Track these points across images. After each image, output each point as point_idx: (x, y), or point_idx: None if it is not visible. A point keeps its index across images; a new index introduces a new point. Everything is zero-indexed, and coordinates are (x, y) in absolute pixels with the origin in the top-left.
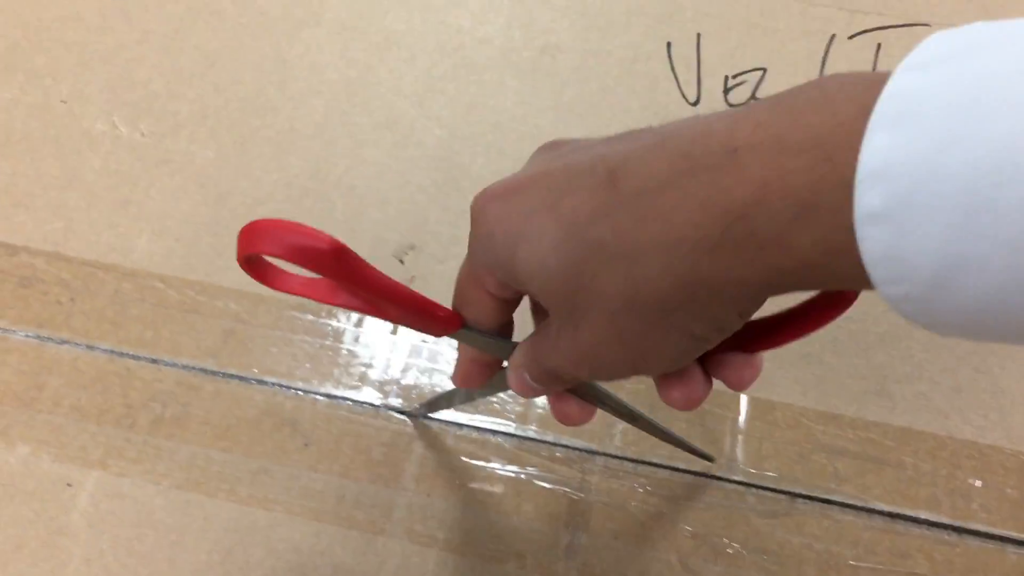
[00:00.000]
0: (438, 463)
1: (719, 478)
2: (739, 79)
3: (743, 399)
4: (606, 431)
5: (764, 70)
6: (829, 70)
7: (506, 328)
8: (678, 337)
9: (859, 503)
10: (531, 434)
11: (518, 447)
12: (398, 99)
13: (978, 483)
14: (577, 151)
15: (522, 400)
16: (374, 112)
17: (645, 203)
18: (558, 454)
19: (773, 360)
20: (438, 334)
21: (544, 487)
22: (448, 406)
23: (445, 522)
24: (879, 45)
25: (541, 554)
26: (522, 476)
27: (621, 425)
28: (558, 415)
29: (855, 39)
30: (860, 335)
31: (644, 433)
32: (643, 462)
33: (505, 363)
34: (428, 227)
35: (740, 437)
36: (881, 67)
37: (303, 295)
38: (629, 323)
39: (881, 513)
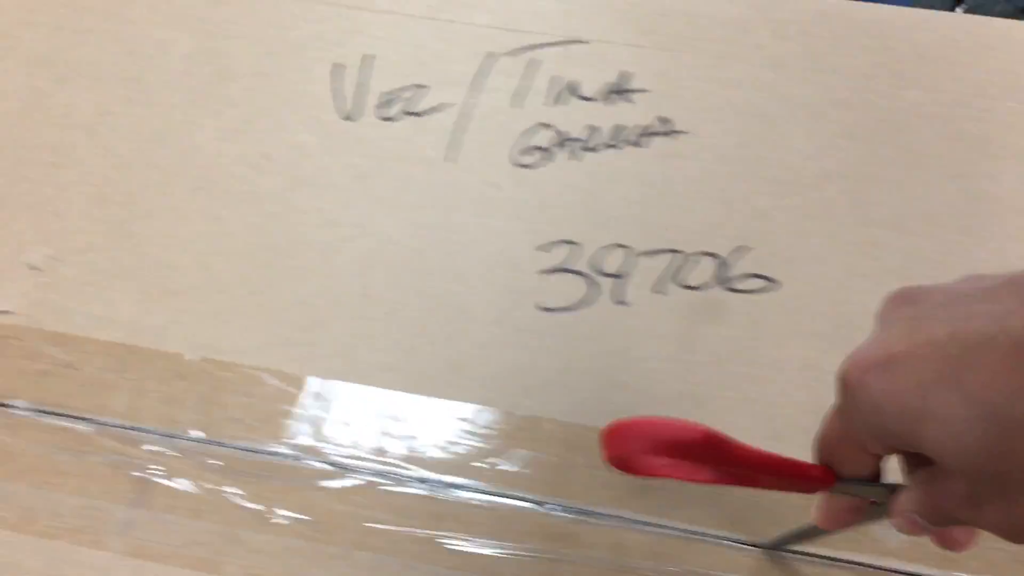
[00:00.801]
0: None
1: None
2: (397, 95)
3: None
4: None
5: (425, 87)
6: (489, 87)
7: (878, 474)
8: None
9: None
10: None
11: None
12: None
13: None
14: (951, 308)
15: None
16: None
17: None
18: None
19: None
20: (809, 491)
21: None
22: (801, 540)
23: None
24: (534, 61)
25: None
26: None
27: None
28: (945, 543)
29: (515, 57)
30: None
31: None
32: None
33: (872, 498)
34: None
35: None
36: (535, 83)
37: (667, 476)
38: None
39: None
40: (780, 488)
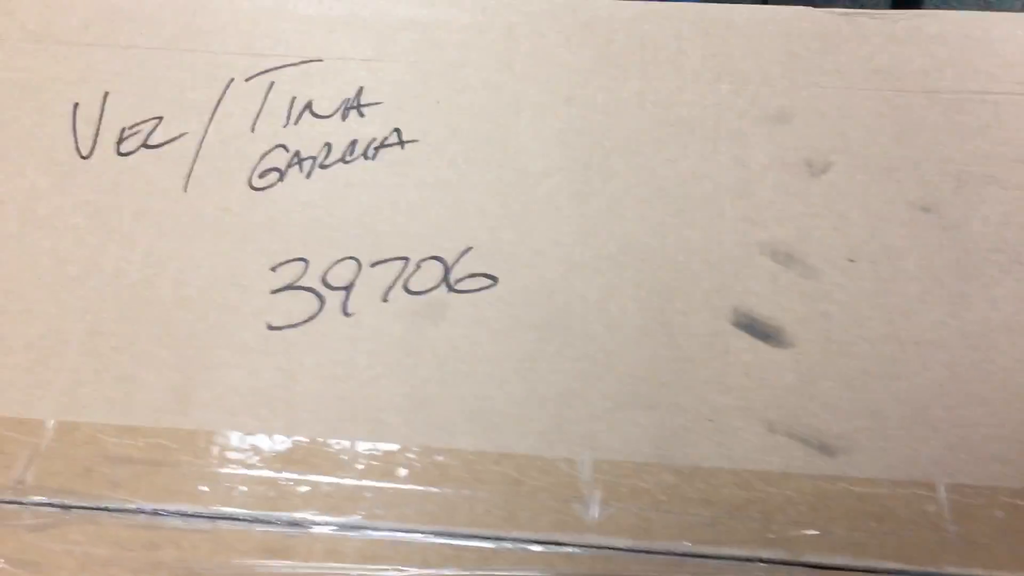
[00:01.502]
0: None
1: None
2: (134, 129)
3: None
4: None
5: (160, 119)
6: (224, 112)
7: None
8: None
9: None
10: None
11: None
12: None
13: (244, 472)
14: None
15: None
16: None
17: None
18: None
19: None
20: None
21: None
22: None
23: None
24: (272, 83)
25: None
26: None
27: None
28: None
29: (252, 80)
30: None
31: None
32: None
33: None
34: None
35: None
36: (272, 105)
37: None
38: None
39: (145, 512)
40: None
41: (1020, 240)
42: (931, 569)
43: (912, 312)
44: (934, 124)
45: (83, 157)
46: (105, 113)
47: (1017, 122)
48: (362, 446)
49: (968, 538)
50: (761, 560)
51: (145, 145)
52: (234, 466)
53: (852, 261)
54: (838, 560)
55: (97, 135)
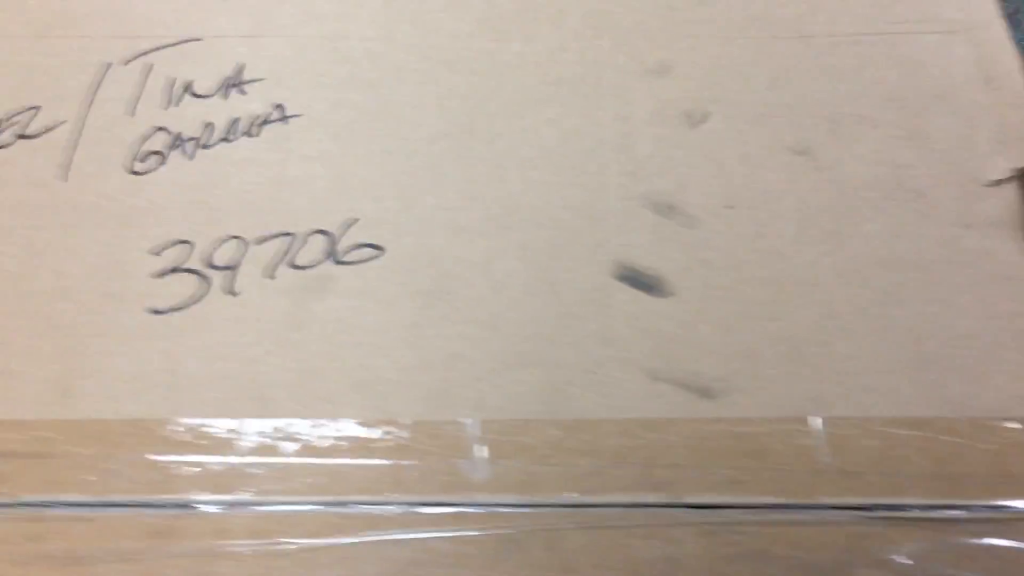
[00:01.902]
0: None
1: None
2: (11, 121)
3: None
4: None
5: (37, 108)
6: (102, 97)
7: None
8: None
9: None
10: None
11: None
12: None
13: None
14: None
15: None
16: None
17: None
18: None
19: None
20: None
21: None
22: None
23: None
24: (151, 66)
25: None
26: None
27: None
28: None
29: (130, 64)
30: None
31: None
32: None
33: None
34: None
35: None
36: (150, 87)
37: None
38: None
39: (30, 505)
40: None
41: (891, 177)
42: (807, 500)
43: (789, 254)
44: (807, 68)
45: None
46: None
47: (887, 61)
48: (249, 424)
49: (843, 469)
50: (642, 504)
51: (22, 136)
52: (120, 453)
53: (731, 208)
54: (717, 499)
55: None
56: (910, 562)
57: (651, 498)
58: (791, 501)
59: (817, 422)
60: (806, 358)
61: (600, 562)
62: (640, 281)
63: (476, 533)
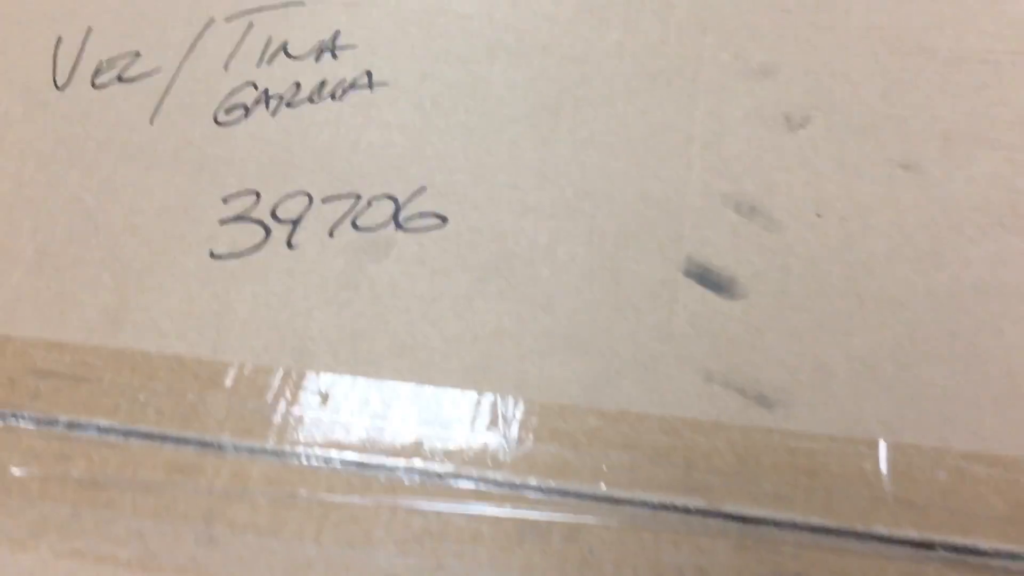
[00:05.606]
0: None
1: None
2: (111, 64)
3: None
4: None
5: (138, 54)
6: (200, 50)
7: None
8: None
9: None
10: None
11: None
12: None
13: (162, 389)
14: None
15: None
16: None
17: None
18: None
19: None
20: None
21: None
22: None
23: None
24: (250, 24)
25: None
26: None
27: None
28: None
29: (232, 21)
30: None
31: None
32: None
33: None
34: None
35: None
36: (248, 45)
37: None
38: None
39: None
40: None
41: (1005, 202)
42: (859, 527)
43: (877, 269)
44: (925, 83)
45: (58, 88)
46: (86, 48)
47: (1015, 83)
48: (285, 373)
49: (904, 498)
50: (676, 507)
51: (119, 79)
52: (155, 385)
53: (820, 216)
54: (759, 512)
55: (75, 68)
56: None
57: (687, 502)
58: (841, 526)
59: (883, 446)
60: (881, 379)
61: (622, 561)
62: (710, 280)
63: (496, 513)
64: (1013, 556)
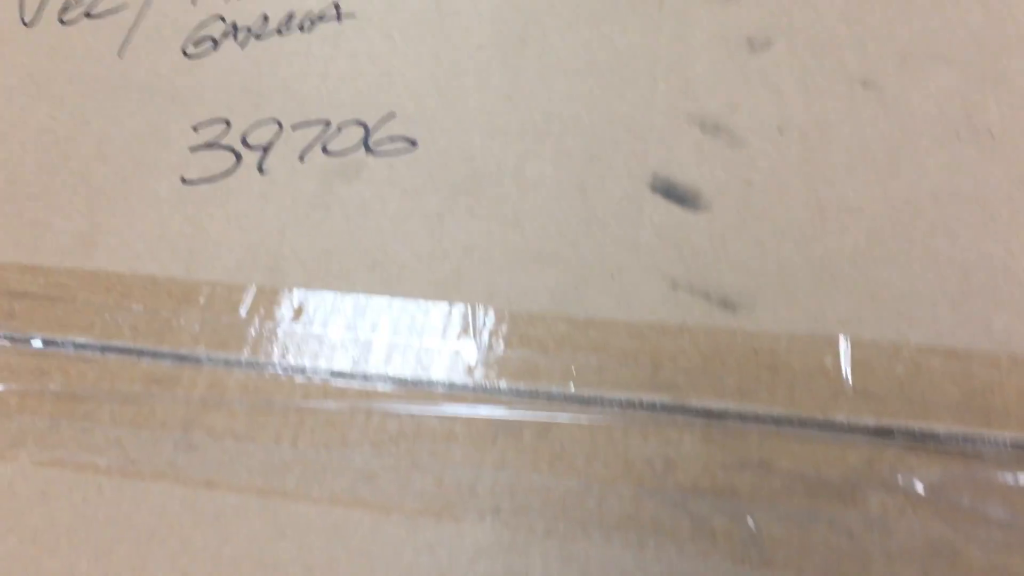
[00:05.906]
0: None
1: None
2: (79, 1)
3: None
4: None
5: None
6: None
7: None
8: None
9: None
10: None
11: None
12: None
13: (137, 307)
14: None
15: None
16: None
17: None
18: None
19: None
20: None
21: None
22: None
23: None
24: None
25: None
26: None
27: None
28: None
29: None
30: None
31: None
32: None
33: None
34: None
35: None
36: None
37: None
38: None
39: (36, 340)
40: None
41: (960, 115)
42: (818, 415)
43: (837, 180)
44: (885, 3)
45: (25, 25)
46: None
47: (970, 3)
48: (257, 289)
49: (864, 390)
50: (644, 404)
51: (87, 15)
52: (129, 303)
53: (782, 132)
54: (723, 405)
55: (42, 6)
56: (925, 489)
57: (654, 399)
58: (803, 416)
59: (843, 341)
60: (840, 281)
61: (592, 455)
62: (675, 193)
63: (469, 413)
64: (967, 439)
